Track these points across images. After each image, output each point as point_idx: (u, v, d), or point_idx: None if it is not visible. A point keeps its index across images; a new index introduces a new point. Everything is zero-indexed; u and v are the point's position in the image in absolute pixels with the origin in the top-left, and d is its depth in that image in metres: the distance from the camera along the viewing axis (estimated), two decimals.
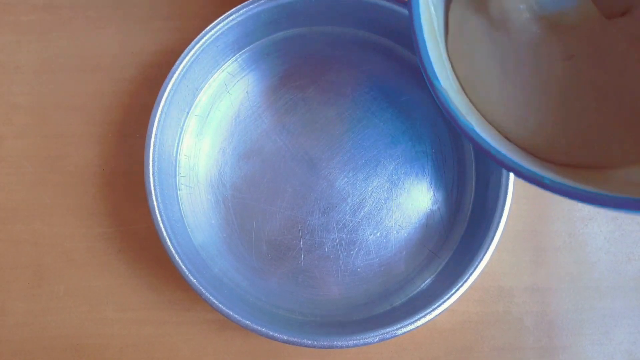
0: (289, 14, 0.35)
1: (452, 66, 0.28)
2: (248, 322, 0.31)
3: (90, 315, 0.36)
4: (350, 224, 0.36)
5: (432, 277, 0.35)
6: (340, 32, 0.38)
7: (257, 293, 0.35)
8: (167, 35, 0.39)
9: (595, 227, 0.38)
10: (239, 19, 0.34)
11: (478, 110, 0.27)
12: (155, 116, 0.33)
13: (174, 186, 0.35)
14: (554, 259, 0.37)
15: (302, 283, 0.36)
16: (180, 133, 0.36)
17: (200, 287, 0.31)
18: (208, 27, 0.33)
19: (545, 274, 0.37)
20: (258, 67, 0.38)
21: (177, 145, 0.36)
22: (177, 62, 0.33)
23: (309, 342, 0.30)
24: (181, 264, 0.31)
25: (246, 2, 0.33)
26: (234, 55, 0.37)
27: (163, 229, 0.32)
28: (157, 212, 0.32)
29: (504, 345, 0.36)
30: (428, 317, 0.31)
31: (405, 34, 0.36)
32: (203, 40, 0.33)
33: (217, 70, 0.37)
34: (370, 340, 0.30)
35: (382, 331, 0.31)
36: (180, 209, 0.35)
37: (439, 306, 0.31)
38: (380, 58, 0.38)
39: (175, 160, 0.36)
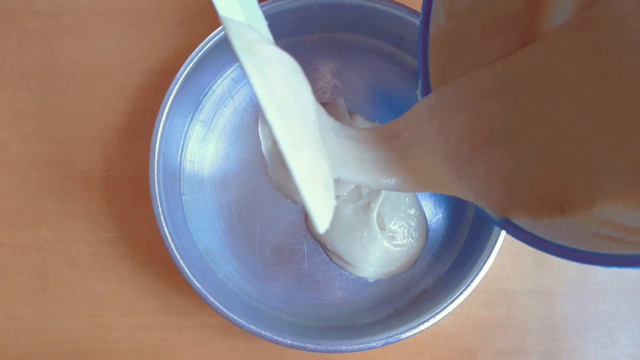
0: (292, 21, 0.35)
1: None
2: (252, 327, 0.31)
3: (96, 319, 0.36)
4: None
5: (436, 280, 0.35)
6: (344, 38, 0.38)
7: (261, 297, 0.35)
8: (171, 42, 0.39)
9: None
10: None
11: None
12: (159, 122, 0.33)
13: (178, 191, 0.35)
14: (557, 262, 0.37)
15: (306, 287, 0.36)
16: (185, 139, 0.36)
17: (205, 292, 0.31)
18: (212, 34, 0.33)
19: (549, 277, 0.37)
20: None
21: (182, 151, 0.36)
22: (182, 69, 0.33)
23: (313, 346, 0.31)
24: (186, 269, 0.31)
25: None
26: (237, 61, 0.38)
27: (168, 234, 0.32)
28: (161, 217, 0.32)
29: (508, 349, 0.36)
30: (432, 321, 0.31)
31: (408, 40, 0.36)
32: (207, 46, 0.33)
33: (221, 76, 0.37)
34: (374, 344, 0.30)
35: (386, 335, 0.31)
36: (184, 214, 0.35)
37: (442, 310, 0.31)
38: (383, 64, 0.38)
39: (180, 166, 0.36)
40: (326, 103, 0.37)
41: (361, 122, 0.37)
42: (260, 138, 0.37)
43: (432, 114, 0.26)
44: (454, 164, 0.25)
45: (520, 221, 0.23)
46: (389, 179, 0.26)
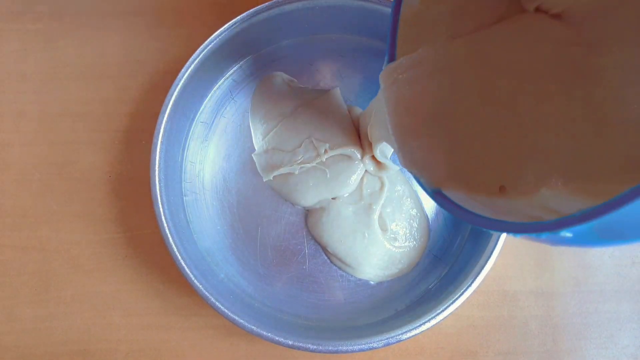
0: (292, 22, 0.35)
1: None
2: (253, 327, 0.31)
3: (97, 320, 0.37)
4: None
5: (437, 281, 0.35)
6: (343, 39, 0.38)
7: (263, 298, 0.35)
8: (173, 43, 0.39)
9: None
10: (243, 26, 0.34)
11: None
12: (161, 123, 0.33)
13: (179, 192, 0.36)
14: (558, 262, 0.37)
15: (307, 288, 0.36)
16: (186, 139, 0.37)
17: (206, 293, 0.31)
18: (213, 35, 0.34)
19: (550, 278, 0.37)
20: (262, 74, 0.38)
21: (183, 152, 0.36)
22: (183, 70, 0.33)
23: (314, 346, 0.31)
24: (187, 270, 0.31)
25: (250, 11, 0.34)
26: (238, 63, 0.38)
27: (169, 235, 0.32)
28: (163, 218, 0.32)
29: (509, 350, 0.36)
30: (433, 322, 0.31)
31: None
32: (208, 48, 0.34)
33: (222, 77, 0.38)
34: (375, 344, 0.31)
35: (387, 336, 0.31)
36: (186, 215, 0.36)
37: (443, 310, 0.31)
38: (382, 64, 0.38)
39: (181, 167, 0.36)
40: (323, 91, 0.38)
41: (359, 111, 0.37)
42: (253, 136, 0.37)
43: (385, 83, 0.26)
44: (399, 132, 0.26)
45: (452, 194, 0.23)
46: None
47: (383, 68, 0.27)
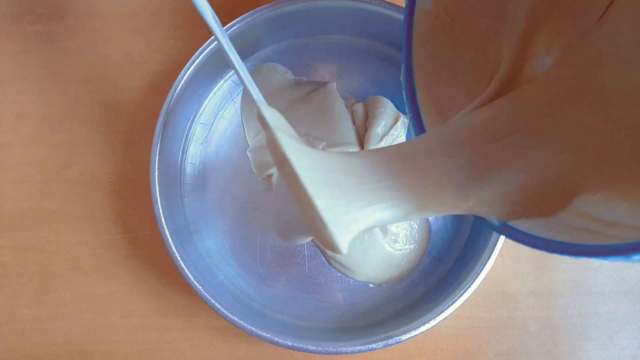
0: (292, 23, 0.36)
1: None
2: (253, 328, 0.31)
3: (97, 321, 0.37)
4: None
5: (436, 282, 0.35)
6: (344, 40, 0.38)
7: (262, 299, 0.35)
8: (172, 45, 0.39)
9: None
10: (243, 27, 0.34)
11: None
12: (160, 124, 0.33)
13: (179, 193, 0.36)
14: (557, 264, 0.37)
15: (307, 289, 0.36)
16: (186, 141, 0.37)
17: (206, 294, 0.31)
18: (213, 37, 0.33)
19: (549, 279, 0.37)
20: None
21: (183, 153, 0.36)
22: (182, 71, 0.33)
23: (314, 347, 0.31)
24: (187, 271, 0.31)
25: (250, 12, 0.34)
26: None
27: (169, 236, 0.32)
28: (162, 219, 0.32)
29: (509, 351, 0.36)
30: (432, 323, 0.31)
31: None
32: (208, 49, 0.34)
33: (222, 78, 0.38)
34: (374, 346, 0.31)
35: (387, 337, 0.31)
36: (185, 216, 0.36)
37: (443, 311, 0.31)
38: (383, 65, 0.38)
39: (181, 168, 0.36)
40: (319, 83, 0.38)
41: (357, 106, 0.37)
42: (245, 132, 0.37)
43: (444, 143, 0.25)
44: (464, 189, 0.25)
45: (516, 223, 0.24)
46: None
47: (401, 79, 0.27)
